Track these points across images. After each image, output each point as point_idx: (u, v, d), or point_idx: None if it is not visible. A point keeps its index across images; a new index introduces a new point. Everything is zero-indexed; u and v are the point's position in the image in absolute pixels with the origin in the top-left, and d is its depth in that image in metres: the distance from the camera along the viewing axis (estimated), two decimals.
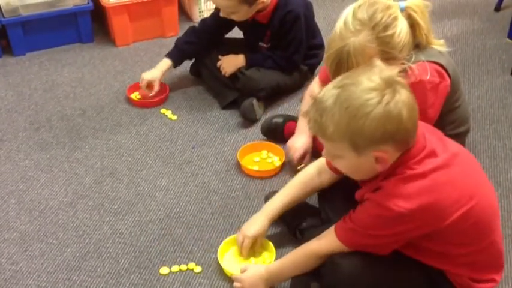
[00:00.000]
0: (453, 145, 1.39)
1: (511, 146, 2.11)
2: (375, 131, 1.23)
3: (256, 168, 2.02)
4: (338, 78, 1.32)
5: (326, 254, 1.41)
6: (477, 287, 1.39)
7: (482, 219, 1.33)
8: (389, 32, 1.55)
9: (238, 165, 2.04)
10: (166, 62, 2.36)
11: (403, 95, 1.25)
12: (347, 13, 1.59)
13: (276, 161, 2.06)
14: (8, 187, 1.97)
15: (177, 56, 2.37)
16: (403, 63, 1.59)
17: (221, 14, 2.21)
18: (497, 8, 3.02)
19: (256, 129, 2.21)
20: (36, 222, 1.84)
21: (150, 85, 2.34)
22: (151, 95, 2.35)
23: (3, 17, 2.60)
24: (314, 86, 2.00)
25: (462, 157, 1.37)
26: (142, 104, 2.37)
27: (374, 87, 1.24)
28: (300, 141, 1.98)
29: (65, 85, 2.51)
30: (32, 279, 1.66)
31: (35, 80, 2.55)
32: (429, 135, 1.35)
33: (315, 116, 1.29)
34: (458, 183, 1.30)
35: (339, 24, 1.58)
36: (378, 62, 1.32)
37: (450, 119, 1.79)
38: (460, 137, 1.87)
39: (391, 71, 1.30)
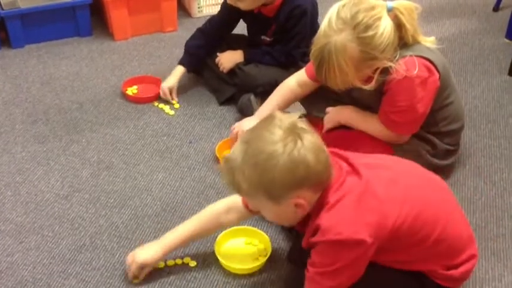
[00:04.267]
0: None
1: (506, 145, 2.12)
2: (286, 180, 1.26)
3: None
4: (245, 133, 1.36)
5: None
6: (456, 274, 1.40)
7: (420, 215, 1.33)
8: (370, 33, 1.55)
9: None
10: (180, 69, 2.37)
11: (306, 140, 1.27)
12: (332, 11, 1.60)
13: None
14: (4, 179, 1.98)
15: (189, 62, 2.38)
16: (385, 63, 1.60)
17: (228, 1, 2.21)
18: (496, 8, 3.03)
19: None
20: (32, 215, 1.84)
21: (170, 92, 2.35)
22: (173, 101, 2.34)
23: (2, 9, 2.60)
24: (291, 79, 1.98)
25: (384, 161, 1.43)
26: (137, 100, 2.37)
27: (276, 139, 1.26)
28: (249, 124, 1.82)
29: (62, 78, 2.51)
30: (27, 271, 1.66)
31: (33, 72, 2.55)
32: (354, 158, 1.37)
33: (228, 177, 1.32)
34: (383, 191, 1.31)
35: (324, 22, 1.60)
36: (277, 113, 1.33)
37: (442, 116, 1.80)
38: (454, 134, 1.88)
39: (291, 118, 1.31)
